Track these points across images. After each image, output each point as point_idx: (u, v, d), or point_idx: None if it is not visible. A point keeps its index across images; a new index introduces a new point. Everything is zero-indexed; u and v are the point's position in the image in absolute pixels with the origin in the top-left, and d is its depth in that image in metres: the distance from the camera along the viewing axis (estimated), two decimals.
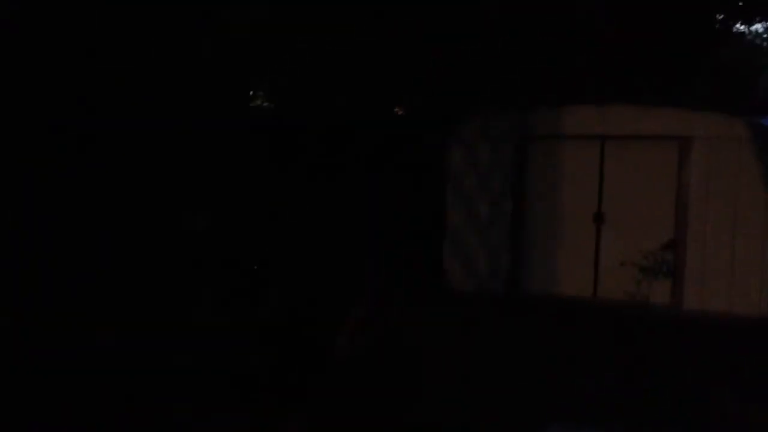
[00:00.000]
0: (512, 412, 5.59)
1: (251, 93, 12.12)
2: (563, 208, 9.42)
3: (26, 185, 5.75)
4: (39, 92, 5.66)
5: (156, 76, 6.38)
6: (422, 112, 11.87)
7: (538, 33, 11.31)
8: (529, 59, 11.46)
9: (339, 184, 9.63)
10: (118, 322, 5.68)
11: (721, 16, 14.27)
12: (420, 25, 10.52)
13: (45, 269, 5.64)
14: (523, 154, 9.53)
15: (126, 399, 5.20)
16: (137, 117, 6.14)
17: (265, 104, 12.52)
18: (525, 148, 9.52)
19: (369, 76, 10.51)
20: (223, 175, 7.26)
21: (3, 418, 4.71)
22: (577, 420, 4.02)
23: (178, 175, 6.61)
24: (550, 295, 9.32)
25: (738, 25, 16.43)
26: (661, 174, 9.01)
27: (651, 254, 8.89)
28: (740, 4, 14.15)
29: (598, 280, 9.31)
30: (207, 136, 7.04)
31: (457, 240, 9.64)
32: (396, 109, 12.75)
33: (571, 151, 9.39)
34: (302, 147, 10.08)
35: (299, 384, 5.88)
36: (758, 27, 21.04)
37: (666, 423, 4.77)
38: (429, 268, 9.73)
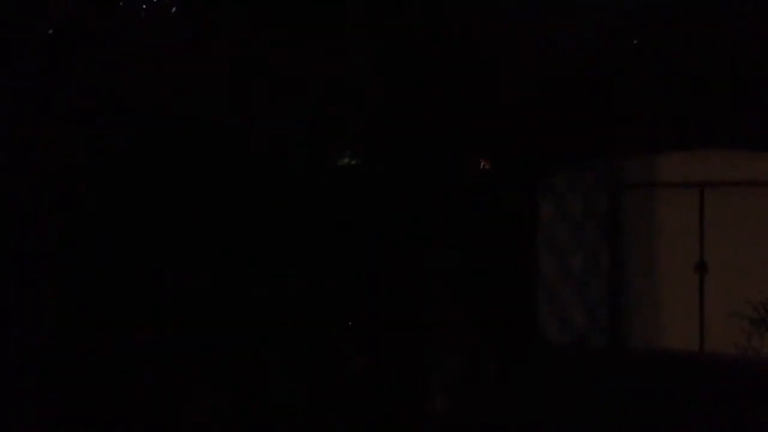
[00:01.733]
0: None
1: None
2: (663, 258, 9.10)
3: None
4: None
5: None
6: (512, 163, 11.78)
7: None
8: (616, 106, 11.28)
9: (430, 236, 9.60)
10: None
11: None
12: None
13: None
14: (617, 204, 9.30)
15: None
16: None
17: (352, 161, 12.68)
18: (619, 197, 9.30)
19: (463, 130, 10.54)
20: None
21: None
22: None
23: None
24: (652, 349, 8.94)
25: None
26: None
27: (761, 305, 8.44)
28: None
29: (704, 333, 8.88)
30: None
31: (551, 293, 9.42)
32: (483, 162, 12.70)
33: (668, 198, 9.11)
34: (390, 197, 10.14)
35: None
36: None
37: None
38: (523, 322, 9.52)
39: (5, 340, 5.41)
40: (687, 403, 7.26)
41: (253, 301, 7.00)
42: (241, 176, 7.22)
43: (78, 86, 6.22)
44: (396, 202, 10.24)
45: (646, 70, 11.37)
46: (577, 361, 8.68)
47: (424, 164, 10.63)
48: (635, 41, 11.53)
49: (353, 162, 12.55)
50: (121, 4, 7.80)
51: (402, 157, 10.86)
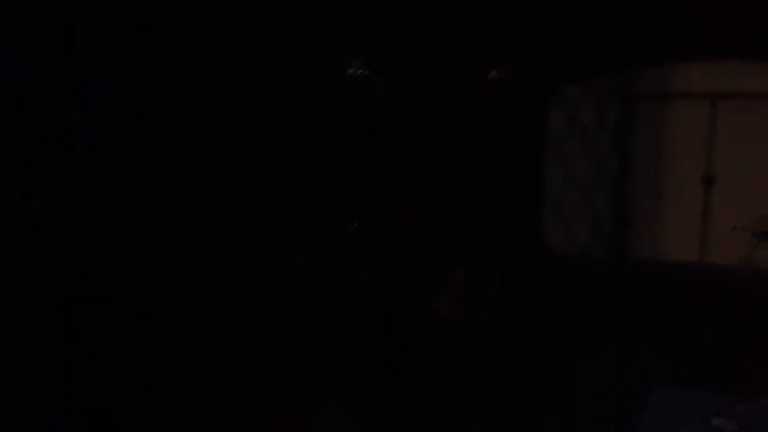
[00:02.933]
0: (618, 376, 5.54)
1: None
2: (671, 170, 9.12)
3: None
4: None
5: None
6: (524, 74, 11.63)
7: None
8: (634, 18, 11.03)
9: (435, 147, 9.60)
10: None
11: None
12: None
13: None
14: (628, 115, 9.23)
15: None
16: None
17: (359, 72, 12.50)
18: (631, 109, 9.22)
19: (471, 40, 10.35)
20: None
21: None
22: (681, 384, 3.96)
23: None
24: (655, 260, 9.09)
25: None
26: None
27: (765, 219, 8.52)
28: None
29: (706, 245, 8.99)
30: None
31: (557, 203, 9.50)
32: (494, 73, 12.53)
33: (679, 110, 9.05)
34: (396, 111, 10.06)
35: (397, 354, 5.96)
36: None
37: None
38: (530, 232, 9.64)
39: None
40: (685, 309, 7.45)
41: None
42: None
43: None
44: (406, 112, 10.18)
45: None
46: (579, 270, 8.84)
47: (435, 71, 10.50)
48: None
49: (361, 72, 12.39)
50: None
51: (413, 66, 10.71)
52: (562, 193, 9.46)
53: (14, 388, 4.33)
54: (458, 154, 9.88)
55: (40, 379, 4.49)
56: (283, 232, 6.56)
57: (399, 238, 8.04)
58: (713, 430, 3.22)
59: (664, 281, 8.48)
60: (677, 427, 3.25)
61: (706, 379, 5.25)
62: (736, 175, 8.82)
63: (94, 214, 4.70)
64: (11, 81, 4.31)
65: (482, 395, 5.31)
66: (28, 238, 4.44)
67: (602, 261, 9.13)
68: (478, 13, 9.53)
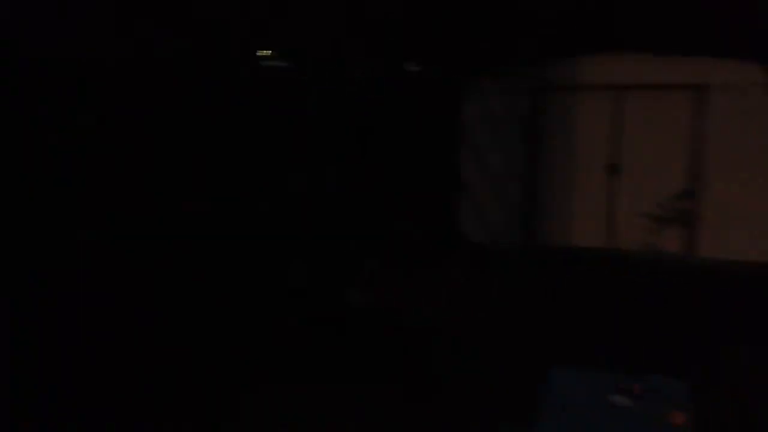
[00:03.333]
0: (518, 357, 5.69)
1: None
2: (578, 160, 9.39)
3: None
4: None
5: None
6: (437, 66, 11.74)
7: None
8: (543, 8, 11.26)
9: (350, 140, 9.60)
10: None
11: None
12: None
13: None
14: (537, 106, 9.44)
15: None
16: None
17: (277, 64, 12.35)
18: (540, 99, 9.44)
19: (385, 29, 10.36)
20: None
21: None
22: (581, 364, 4.09)
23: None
24: (565, 247, 9.36)
25: None
26: (677, 123, 8.93)
27: (666, 204, 8.88)
28: None
29: (612, 230, 9.31)
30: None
31: (471, 192, 9.65)
32: (411, 65, 12.59)
33: (586, 101, 9.33)
34: (309, 103, 10.01)
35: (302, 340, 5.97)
36: None
37: (664, 365, 4.84)
38: (444, 221, 9.76)
39: None
40: (589, 290, 7.72)
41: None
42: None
43: None
44: (321, 104, 10.12)
45: None
46: (492, 258, 9.02)
47: (351, 65, 10.48)
48: None
49: (275, 55, 12.22)
50: None
51: (327, 56, 10.65)
52: (476, 182, 9.61)
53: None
54: (373, 145, 9.90)
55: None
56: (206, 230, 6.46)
57: (315, 226, 8.02)
58: (611, 407, 3.33)
59: (571, 266, 8.75)
60: (576, 406, 3.35)
61: (605, 357, 5.46)
62: (640, 164, 9.15)
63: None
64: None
65: (391, 376, 5.37)
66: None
67: (514, 248, 9.33)
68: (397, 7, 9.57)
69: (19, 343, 4.69)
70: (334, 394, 5.00)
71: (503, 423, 3.63)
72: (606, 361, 4.94)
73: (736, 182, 8.54)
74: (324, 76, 10.57)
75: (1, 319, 4.59)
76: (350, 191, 9.35)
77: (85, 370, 4.91)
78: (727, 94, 8.57)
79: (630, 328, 6.44)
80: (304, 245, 7.70)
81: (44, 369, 4.78)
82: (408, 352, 5.93)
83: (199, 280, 6.26)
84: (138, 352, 5.30)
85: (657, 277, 8.22)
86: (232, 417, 4.68)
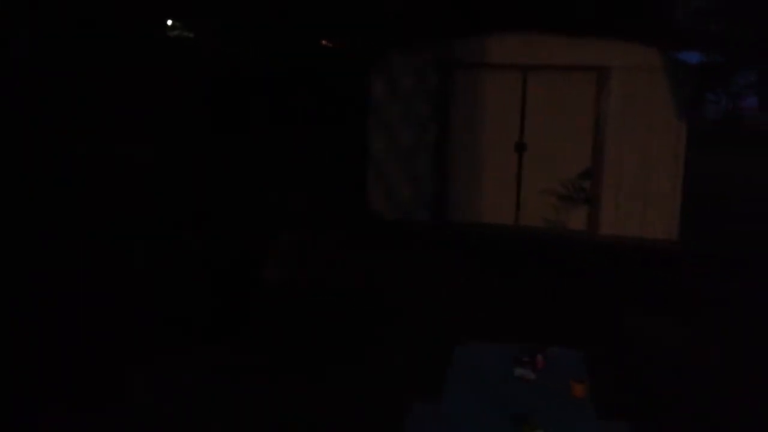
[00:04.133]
0: (425, 332, 5.78)
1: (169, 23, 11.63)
2: (487, 138, 9.51)
3: None
4: None
5: None
6: (347, 42, 11.68)
7: None
8: None
9: (260, 117, 9.47)
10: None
11: None
12: None
13: None
14: (446, 83, 9.49)
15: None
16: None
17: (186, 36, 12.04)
18: (449, 77, 9.48)
19: (296, 8, 10.23)
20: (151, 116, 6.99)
21: None
22: (486, 337, 4.18)
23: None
24: (473, 224, 9.50)
25: None
26: (581, 104, 9.18)
27: (569, 182, 9.14)
28: None
29: (519, 208, 9.52)
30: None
31: (380, 169, 9.64)
32: (322, 42, 12.51)
33: (494, 80, 9.44)
34: (223, 81, 9.80)
35: (225, 319, 5.90)
36: None
37: (565, 336, 5.03)
38: (354, 197, 9.75)
39: None
40: (494, 266, 7.90)
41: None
42: None
43: None
44: (226, 78, 9.91)
45: None
46: (401, 234, 9.07)
47: (263, 44, 10.31)
48: None
49: (182, 33, 11.91)
50: None
51: (242, 35, 10.44)
52: (385, 159, 9.61)
53: None
54: (282, 120, 9.77)
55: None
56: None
57: (224, 201, 7.88)
58: (515, 380, 3.41)
59: (479, 243, 8.91)
60: (480, 379, 3.40)
61: (508, 330, 5.61)
62: (545, 143, 9.37)
63: None
64: None
65: (300, 350, 5.36)
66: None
67: (423, 224, 9.41)
68: None
69: None
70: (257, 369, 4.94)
71: (410, 396, 3.66)
72: (509, 334, 5.08)
73: (634, 162, 8.87)
74: (231, 49, 10.34)
75: None
76: (258, 167, 9.21)
77: None
78: (628, 76, 8.86)
79: (532, 302, 6.63)
80: (215, 221, 7.57)
81: None
82: (321, 326, 5.91)
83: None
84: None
85: (559, 253, 8.47)
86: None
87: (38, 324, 5.13)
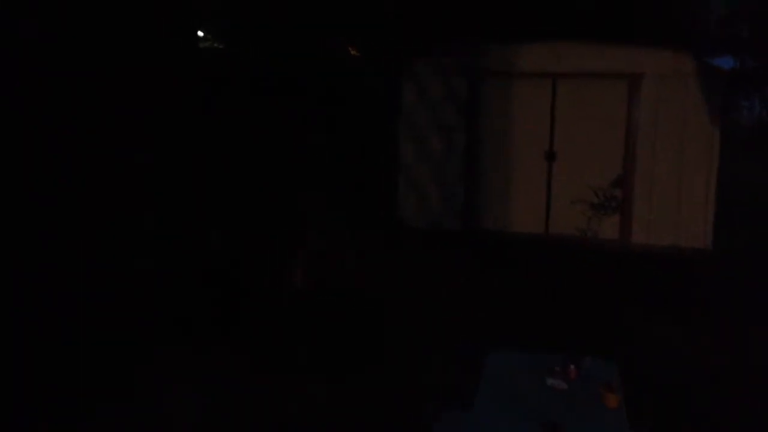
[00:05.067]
0: (457, 340, 5.76)
1: (200, 34, 11.77)
2: (516, 145, 9.49)
3: None
4: None
5: None
6: (376, 49, 11.72)
7: None
8: None
9: (290, 122, 9.51)
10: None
11: None
12: None
13: None
14: (476, 91, 9.49)
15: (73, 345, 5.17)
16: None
17: (215, 46, 12.17)
18: (478, 85, 9.48)
19: (323, 12, 10.28)
20: (163, 118, 7.05)
21: None
22: (518, 344, 4.17)
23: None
24: (503, 232, 9.46)
25: None
26: (612, 111, 9.13)
27: (600, 191, 9.06)
28: None
29: (549, 216, 9.46)
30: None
31: (410, 177, 9.65)
32: (350, 49, 12.57)
33: (524, 88, 9.41)
34: (250, 85, 9.88)
35: (237, 320, 5.95)
36: None
37: (596, 344, 4.99)
38: (385, 206, 9.76)
39: None
40: (525, 274, 7.85)
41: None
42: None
43: None
44: (263, 85, 9.99)
45: None
46: (431, 241, 9.06)
47: (291, 50, 10.38)
48: None
49: (216, 45, 12.05)
50: None
51: (268, 42, 10.52)
52: (415, 166, 9.62)
53: None
54: (313, 128, 9.82)
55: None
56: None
57: (256, 206, 7.94)
58: (547, 389, 3.39)
59: (509, 251, 8.86)
60: (513, 389, 3.40)
61: (540, 337, 5.58)
62: (576, 151, 9.31)
63: None
64: None
65: (324, 355, 5.39)
66: None
67: (453, 232, 9.39)
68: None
69: None
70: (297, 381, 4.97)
71: (441, 404, 3.66)
72: (541, 342, 5.05)
73: (667, 170, 8.78)
74: (264, 60, 10.42)
75: None
76: (288, 173, 9.27)
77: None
78: (659, 83, 8.78)
79: (563, 311, 6.58)
80: (242, 225, 7.63)
81: None
82: (350, 331, 5.93)
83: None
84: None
85: (590, 261, 8.39)
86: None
87: (41, 325, 5.21)
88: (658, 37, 10.73)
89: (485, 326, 6.12)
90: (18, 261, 5.13)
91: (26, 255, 5.23)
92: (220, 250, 6.88)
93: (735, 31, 24.26)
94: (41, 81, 5.41)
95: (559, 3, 12.00)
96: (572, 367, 3.53)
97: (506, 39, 9.51)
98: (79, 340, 5.21)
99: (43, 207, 5.41)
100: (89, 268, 5.73)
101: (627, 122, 9.08)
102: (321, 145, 9.88)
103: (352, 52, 12.67)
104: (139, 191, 6.52)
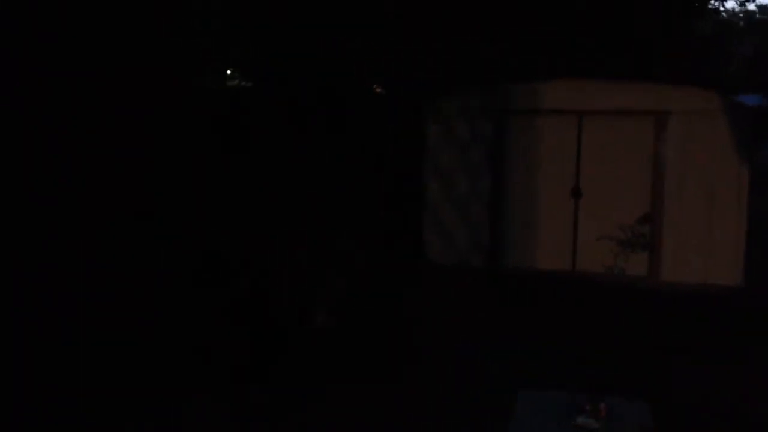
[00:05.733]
0: (486, 380, 5.71)
1: (228, 72, 12.01)
2: (542, 183, 9.47)
3: None
4: None
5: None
6: (400, 88, 11.84)
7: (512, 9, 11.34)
8: (505, 35, 11.47)
9: (314, 159, 9.60)
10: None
11: None
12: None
13: None
14: (501, 129, 9.52)
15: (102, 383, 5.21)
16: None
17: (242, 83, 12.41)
18: (503, 123, 9.51)
19: (348, 53, 10.44)
20: (186, 153, 7.16)
21: None
22: (547, 386, 4.12)
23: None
24: (529, 270, 9.39)
25: (713, 1, 16.62)
26: (639, 148, 9.09)
27: (628, 228, 8.98)
28: None
29: (576, 254, 9.39)
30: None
31: (436, 214, 9.66)
32: (374, 87, 12.72)
33: (549, 125, 9.42)
34: (274, 123, 10.01)
35: (268, 359, 5.96)
36: (733, 5, 21.30)
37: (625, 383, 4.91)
38: (409, 243, 9.77)
39: None
40: (551, 312, 7.78)
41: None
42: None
43: None
44: (283, 123, 10.12)
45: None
46: (457, 280, 9.02)
47: (312, 88, 10.52)
48: None
49: (242, 83, 12.27)
50: None
51: (289, 79, 10.68)
52: (440, 204, 9.64)
53: None
54: (338, 165, 9.90)
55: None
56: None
57: (280, 244, 7.98)
58: (577, 428, 3.35)
59: (535, 289, 8.80)
60: (543, 428, 3.36)
61: (569, 376, 5.50)
62: (602, 188, 9.28)
63: None
64: None
65: (349, 395, 5.37)
66: None
67: (479, 270, 9.35)
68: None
69: None
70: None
71: None
72: (570, 381, 4.98)
73: (694, 206, 8.70)
74: (287, 96, 10.55)
75: None
76: (311, 209, 9.32)
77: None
78: (686, 120, 8.75)
79: (592, 350, 6.50)
80: (270, 261, 7.66)
81: None
82: (376, 371, 5.91)
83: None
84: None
85: (618, 300, 8.30)
86: None
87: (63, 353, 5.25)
88: (685, 75, 10.74)
89: (513, 365, 6.06)
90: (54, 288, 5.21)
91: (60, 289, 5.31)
92: (248, 286, 6.91)
93: (761, 69, 24.24)
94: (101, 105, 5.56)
95: (584, 39, 12.08)
96: (602, 405, 3.49)
97: (531, 77, 9.57)
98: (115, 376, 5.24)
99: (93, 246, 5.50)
100: (128, 315, 5.80)
101: (654, 159, 9.03)
102: (345, 180, 9.93)
103: (377, 90, 12.81)
104: (176, 225, 6.61)
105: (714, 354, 6.50)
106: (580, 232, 9.37)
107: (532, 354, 6.37)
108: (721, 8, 19.42)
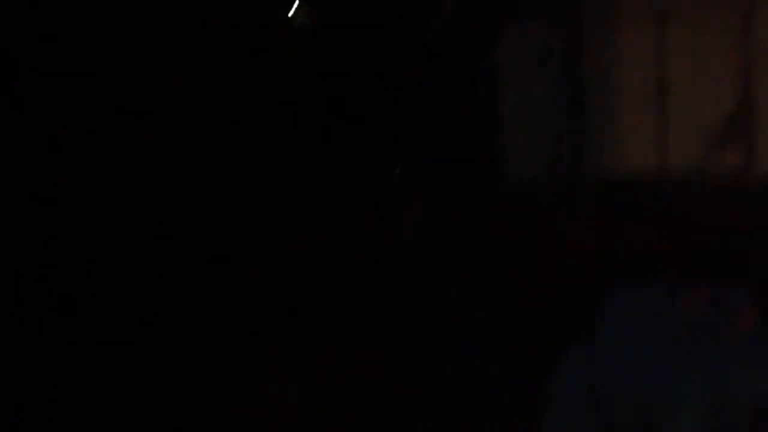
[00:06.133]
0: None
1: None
2: (624, 83, 9.16)
3: None
4: None
5: None
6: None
7: None
8: None
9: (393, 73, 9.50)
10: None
11: None
12: None
13: None
14: (579, 32, 9.20)
15: None
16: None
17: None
18: (582, 23, 9.19)
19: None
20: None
21: None
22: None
23: None
24: (616, 174, 9.16)
25: None
26: (726, 34, 8.64)
27: (719, 117, 8.67)
28: None
29: (666, 149, 9.09)
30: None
31: (514, 125, 9.49)
32: None
33: (631, 24, 9.03)
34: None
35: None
36: None
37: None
38: (488, 155, 9.61)
39: None
40: (643, 216, 7.59)
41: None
42: None
43: None
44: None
45: None
46: (538, 191, 8.89)
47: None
48: None
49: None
50: None
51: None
52: (517, 114, 9.46)
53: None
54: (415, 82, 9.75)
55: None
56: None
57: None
58: (677, 315, 3.25)
59: (624, 194, 8.58)
60: (641, 316, 3.28)
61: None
62: (689, 84, 8.89)
63: None
64: None
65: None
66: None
67: (563, 178, 9.17)
68: None
69: None
70: None
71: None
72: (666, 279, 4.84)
73: None
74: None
75: None
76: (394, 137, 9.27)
77: None
78: None
79: (686, 248, 6.32)
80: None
81: None
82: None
83: None
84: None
85: (711, 196, 8.04)
86: None
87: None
88: None
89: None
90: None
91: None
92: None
93: None
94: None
95: None
96: (702, 291, 3.37)
97: None
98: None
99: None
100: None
101: (742, 47, 8.62)
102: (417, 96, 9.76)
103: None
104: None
105: None
106: (669, 127, 9.04)
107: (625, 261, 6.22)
108: None
